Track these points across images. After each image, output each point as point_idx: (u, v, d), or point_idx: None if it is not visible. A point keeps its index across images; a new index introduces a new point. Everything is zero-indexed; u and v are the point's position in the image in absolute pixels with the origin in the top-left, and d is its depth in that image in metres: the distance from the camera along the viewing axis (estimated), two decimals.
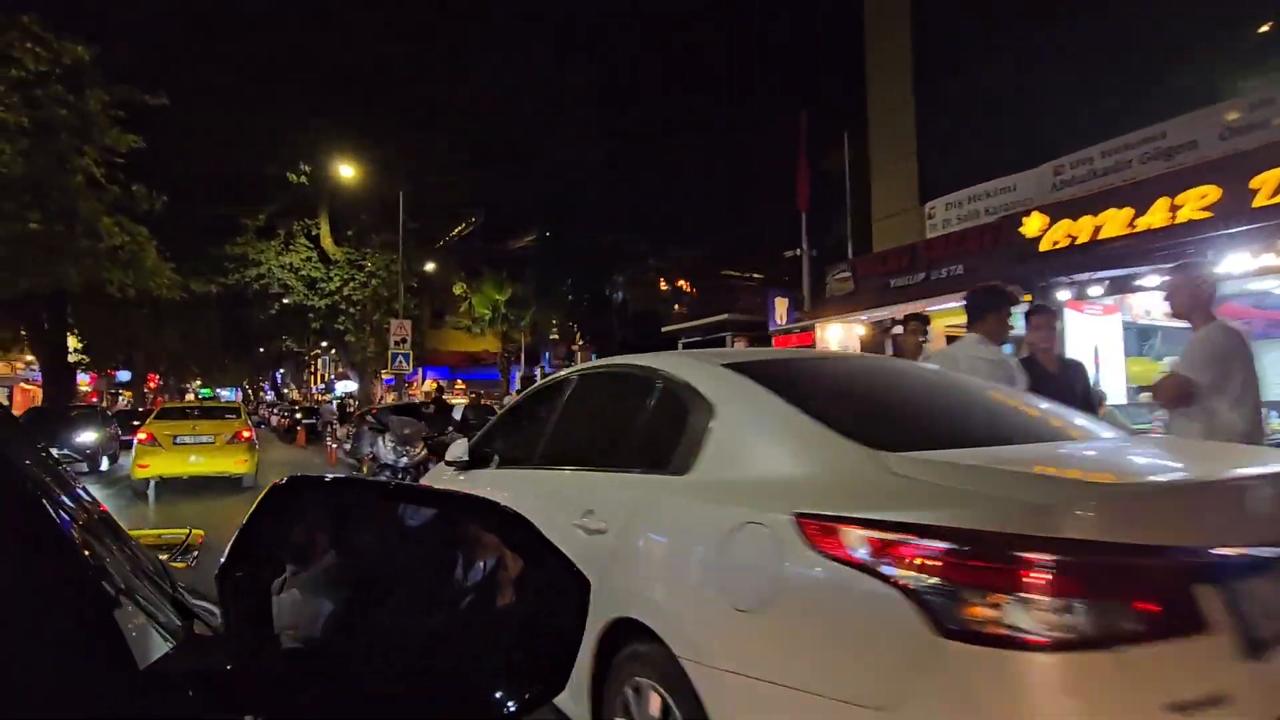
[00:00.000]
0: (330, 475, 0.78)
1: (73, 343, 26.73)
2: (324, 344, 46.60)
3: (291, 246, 20.55)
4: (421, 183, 19.44)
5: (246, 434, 10.53)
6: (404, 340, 18.68)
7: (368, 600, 0.68)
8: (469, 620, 0.69)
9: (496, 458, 3.55)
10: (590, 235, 21.59)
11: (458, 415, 7.66)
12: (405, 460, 6.64)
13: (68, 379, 26.32)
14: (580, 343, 18.55)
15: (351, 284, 20.56)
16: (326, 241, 21.24)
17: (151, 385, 54.58)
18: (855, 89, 13.55)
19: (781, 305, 11.60)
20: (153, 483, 10.01)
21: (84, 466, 11.47)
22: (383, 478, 6.57)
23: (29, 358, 25.97)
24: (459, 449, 3.55)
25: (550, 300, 22.03)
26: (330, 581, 0.68)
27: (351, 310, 20.96)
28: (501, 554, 0.70)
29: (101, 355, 26.76)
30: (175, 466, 9.76)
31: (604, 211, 22.73)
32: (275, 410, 43.77)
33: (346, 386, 25.35)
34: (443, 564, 0.72)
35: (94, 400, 44.79)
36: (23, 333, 24.58)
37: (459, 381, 27.42)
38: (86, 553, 0.61)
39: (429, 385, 27.20)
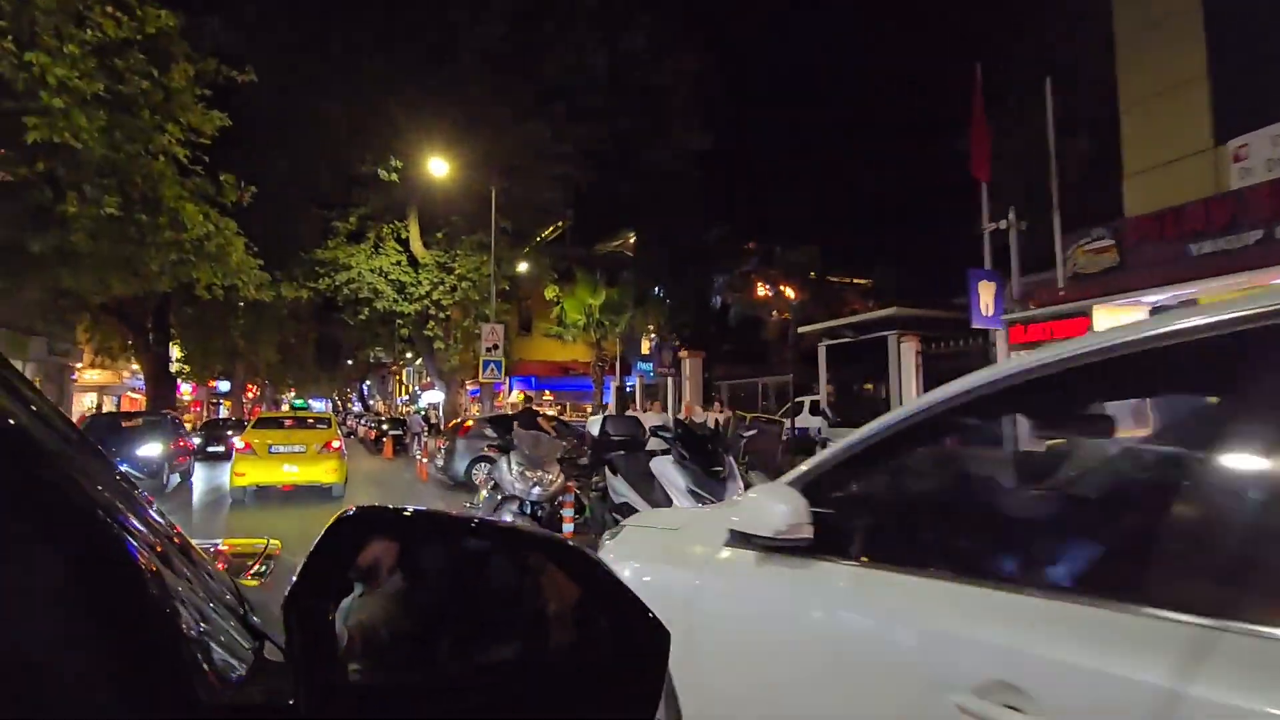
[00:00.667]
0: (395, 506, 0.76)
1: (175, 352, 27.15)
2: (408, 355, 46.96)
3: (381, 250, 19.65)
4: (515, 179, 18.04)
5: (336, 444, 10.71)
6: (495, 347, 17.25)
7: (434, 635, 0.69)
8: (537, 661, 0.68)
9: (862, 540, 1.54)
10: (692, 234, 19.66)
11: (595, 430, 5.72)
12: (538, 490, 4.77)
13: (169, 388, 26.66)
14: (685, 351, 16.57)
15: (440, 288, 19.40)
16: (416, 245, 20.25)
17: (249, 395, 56.84)
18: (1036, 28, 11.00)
19: (987, 291, 9.03)
20: (248, 491, 10.36)
21: (145, 484, 10.32)
22: (506, 516, 4.77)
23: (134, 366, 26.55)
24: (778, 508, 1.55)
25: (648, 305, 20.14)
26: (396, 614, 0.68)
27: (441, 315, 19.80)
28: (574, 595, 0.71)
29: (201, 366, 26.98)
30: (270, 475, 10.06)
31: (707, 208, 20.75)
32: (362, 421, 44.21)
33: (432, 397, 24.24)
34: (510, 602, 0.72)
35: (196, 410, 46.82)
36: (129, 342, 25.04)
37: (546, 392, 25.99)
38: (154, 580, 0.58)
39: (516, 396, 25.89)
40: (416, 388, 47.25)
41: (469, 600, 0.72)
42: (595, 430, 6.19)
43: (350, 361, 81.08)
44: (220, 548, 1.57)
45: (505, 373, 24.60)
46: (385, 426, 27.06)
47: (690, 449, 4.48)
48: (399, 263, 19.77)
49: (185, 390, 36.31)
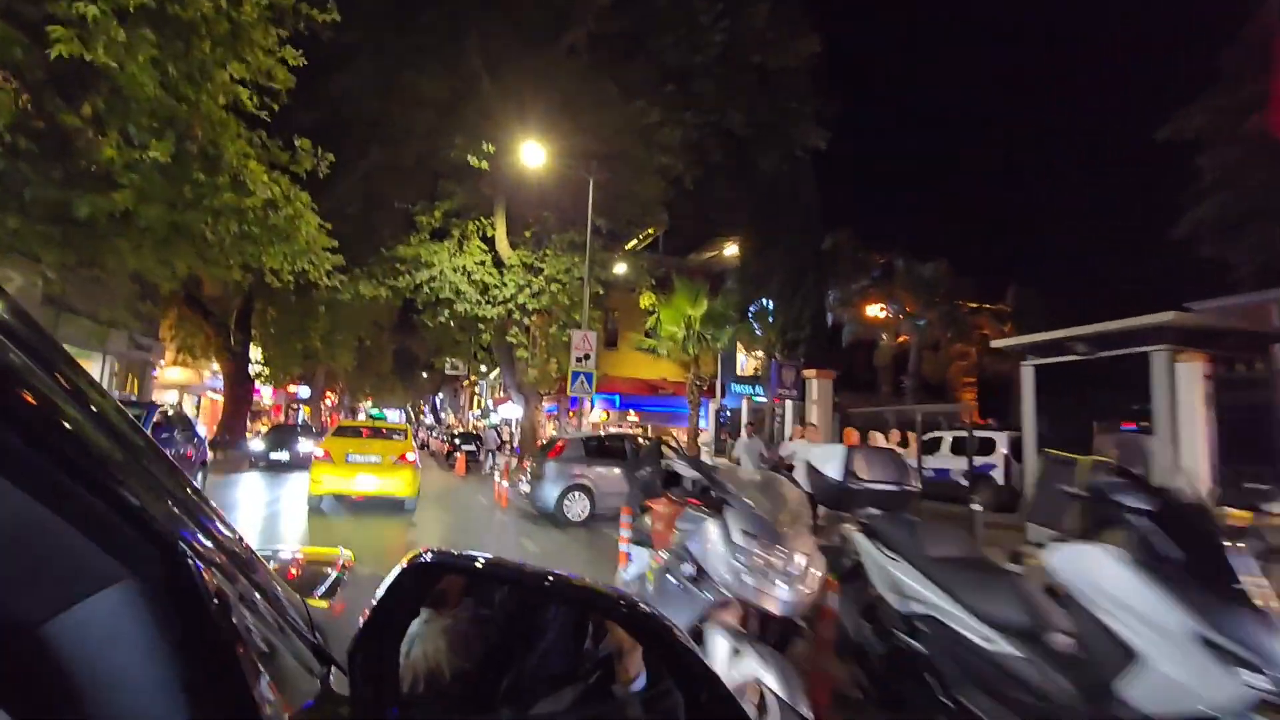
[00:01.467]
0: (464, 554, 0.80)
1: (256, 354, 26.56)
2: (483, 368, 45.98)
3: (465, 249, 18.01)
4: (616, 169, 15.99)
5: (411, 456, 10.44)
6: (586, 357, 15.09)
7: (493, 682, 0.73)
8: (597, 711, 0.72)
9: None
10: (810, 242, 17.05)
11: (833, 472, 3.34)
12: (787, 593, 2.36)
13: (247, 390, 26.00)
14: (814, 371, 13.88)
15: (525, 290, 17.51)
16: (502, 243, 18.52)
17: (327, 401, 57.57)
18: None
19: None
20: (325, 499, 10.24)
21: None
22: (719, 637, 2.35)
23: (215, 366, 26.15)
24: None
25: (757, 318, 17.57)
26: (459, 657, 0.72)
27: (525, 321, 17.90)
28: (642, 661, 0.75)
29: (280, 369, 26.25)
30: (345, 486, 9.97)
31: (824, 214, 18.09)
32: (434, 434, 43.45)
33: (509, 411, 22.34)
34: (574, 658, 0.77)
35: (277, 413, 47.36)
36: (211, 340, 24.55)
37: (631, 412, 23.72)
38: (219, 604, 0.59)
39: (599, 414, 23.69)
40: (489, 401, 46.16)
41: (531, 651, 0.77)
42: (826, 468, 3.57)
43: (425, 374, 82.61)
44: (296, 556, 1.64)
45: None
46: (458, 441, 25.46)
47: (1180, 535, 1.94)
48: (483, 262, 18.05)
49: (265, 393, 36.27)
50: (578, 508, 10.20)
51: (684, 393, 23.48)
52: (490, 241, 18.66)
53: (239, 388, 25.12)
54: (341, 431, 11.69)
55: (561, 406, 26.79)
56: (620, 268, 18.22)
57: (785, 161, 18.97)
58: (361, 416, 63.32)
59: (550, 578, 0.80)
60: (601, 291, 17.31)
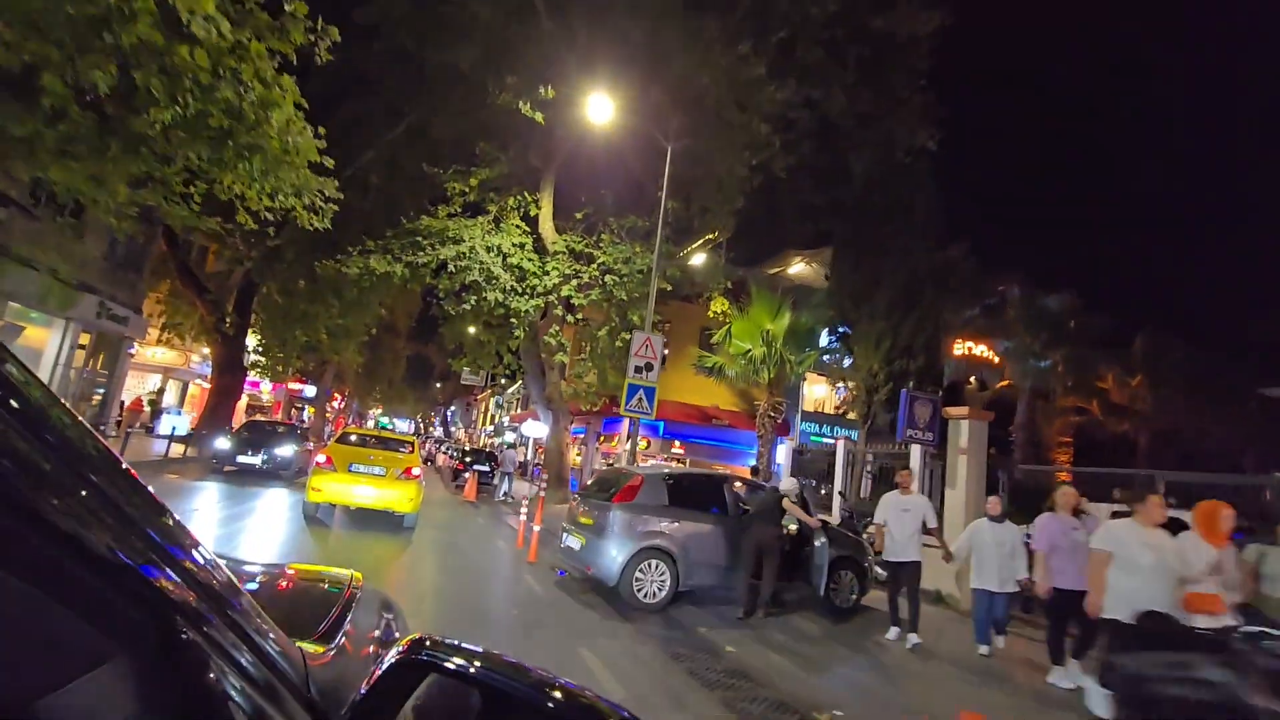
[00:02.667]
0: (466, 647, 0.77)
1: (252, 341, 23.46)
2: (502, 380, 42.67)
3: (502, 228, 14.80)
4: (697, 138, 12.77)
5: (416, 471, 9.92)
6: (649, 367, 11.69)
7: None
8: None
9: None
10: (923, 256, 13.66)
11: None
12: None
13: (237, 380, 22.81)
14: (967, 411, 10.42)
15: (572, 282, 14.19)
16: (546, 225, 15.32)
17: (334, 403, 54.57)
18: None
19: None
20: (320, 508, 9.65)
21: None
22: None
23: (205, 350, 23.10)
24: None
25: (855, 340, 14.08)
26: None
27: (570, 318, 14.55)
28: None
29: (278, 360, 22.99)
30: (344, 496, 9.41)
31: (935, 224, 14.69)
32: (442, 448, 40.07)
33: (532, 429, 18.84)
34: None
35: (277, 411, 44.30)
36: (202, 320, 21.52)
37: (676, 443, 20.15)
38: (214, 674, 0.56)
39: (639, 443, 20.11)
40: (505, 418, 42.77)
41: None
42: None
43: (439, 384, 79.77)
44: (300, 574, 1.63)
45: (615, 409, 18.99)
46: (469, 460, 21.98)
47: None
48: (522, 245, 14.81)
49: (264, 389, 33.22)
50: (654, 584, 6.65)
51: (742, 424, 19.93)
52: (533, 222, 15.44)
53: (227, 376, 21.92)
54: (346, 439, 11.08)
55: (591, 429, 23.27)
56: (699, 258, 14.85)
57: (882, 163, 15.67)
58: (370, 424, 60.48)
59: (556, 689, 0.76)
60: (670, 288, 13.93)
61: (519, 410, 38.31)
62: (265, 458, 14.63)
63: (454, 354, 18.06)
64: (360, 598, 1.39)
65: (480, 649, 0.82)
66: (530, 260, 14.80)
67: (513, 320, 14.69)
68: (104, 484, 0.54)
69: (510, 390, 37.92)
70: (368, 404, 62.50)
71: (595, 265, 14.09)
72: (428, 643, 0.75)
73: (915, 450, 10.64)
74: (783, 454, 20.04)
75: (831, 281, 15.36)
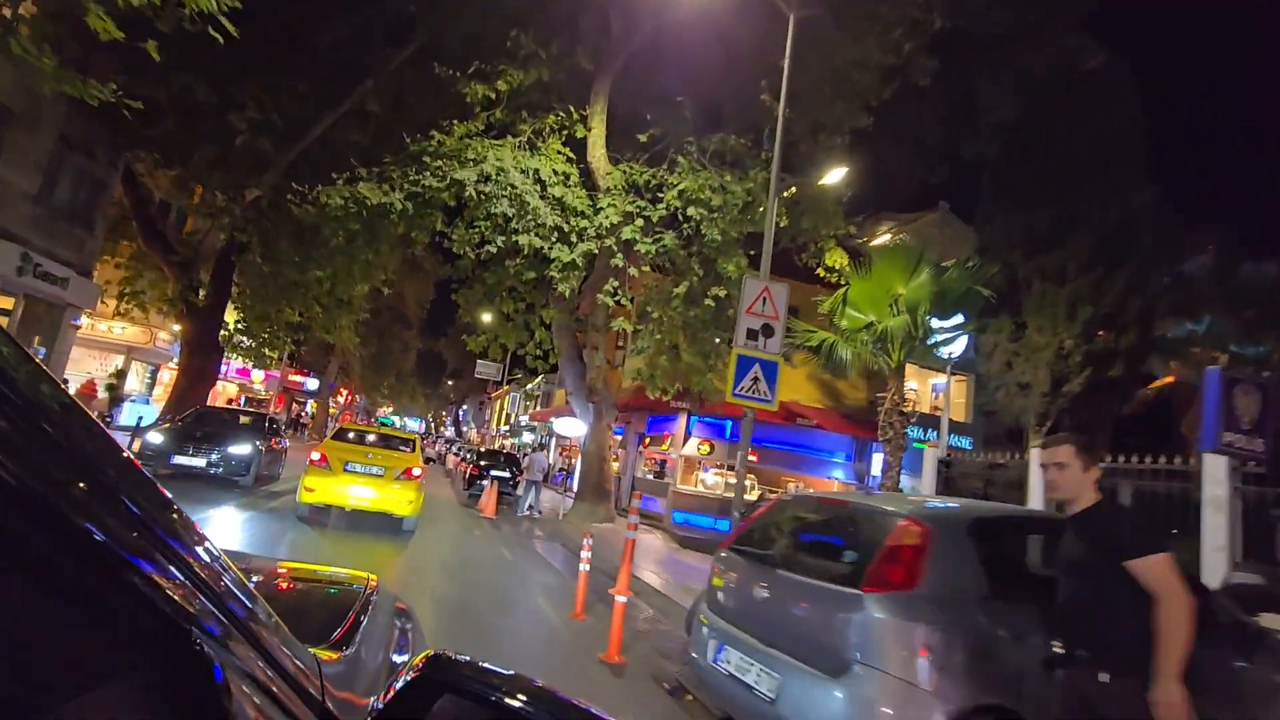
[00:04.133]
0: (483, 665, 0.75)
1: (231, 318, 19.70)
2: (537, 358, 38.56)
3: (539, 150, 10.87)
4: (820, 29, 8.82)
5: (417, 472, 9.30)
6: (768, 331, 7.74)
7: None
8: None
9: None
10: (1119, 205, 9.62)
11: None
12: None
13: (211, 363, 18.96)
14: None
15: (636, 223, 10.22)
16: (597, 151, 11.45)
17: (340, 398, 51.03)
18: None
19: None
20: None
21: None
22: None
23: (176, 327, 19.40)
24: None
25: (1028, 304, 9.95)
26: None
27: (635, 270, 10.57)
28: None
29: (261, 341, 19.17)
30: (339, 497, 8.90)
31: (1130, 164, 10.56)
32: (453, 449, 36.21)
33: (568, 428, 14.84)
34: None
35: (280, 406, 40.69)
36: (173, 287, 17.83)
37: (714, 445, 15.98)
38: (230, 694, 0.52)
39: (696, 447, 16.07)
40: (523, 416, 38.85)
41: None
42: None
43: (451, 382, 76.23)
44: (314, 574, 1.64)
45: (664, 398, 14.99)
46: (484, 463, 18.03)
47: None
48: (565, 177, 10.85)
49: (256, 377, 29.54)
50: None
51: (832, 425, 15.84)
52: (578, 149, 11.49)
53: (199, 358, 18.11)
54: (342, 435, 10.66)
55: (631, 429, 19.22)
56: (834, 174, 10.75)
57: (1054, 76, 11.57)
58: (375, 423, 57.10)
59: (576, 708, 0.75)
60: (783, 222, 9.91)
61: (538, 408, 34.37)
62: (214, 458, 10.76)
63: (468, 330, 14.04)
64: (376, 602, 1.39)
65: (498, 668, 0.80)
66: (578, 195, 10.82)
67: (552, 276, 10.68)
68: (106, 476, 0.50)
69: (530, 385, 34.06)
70: (376, 400, 59.00)
71: (671, 195, 10.06)
72: (444, 660, 0.75)
73: (1217, 465, 6.52)
74: (879, 464, 15.95)
75: (987, 228, 11.26)
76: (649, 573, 9.65)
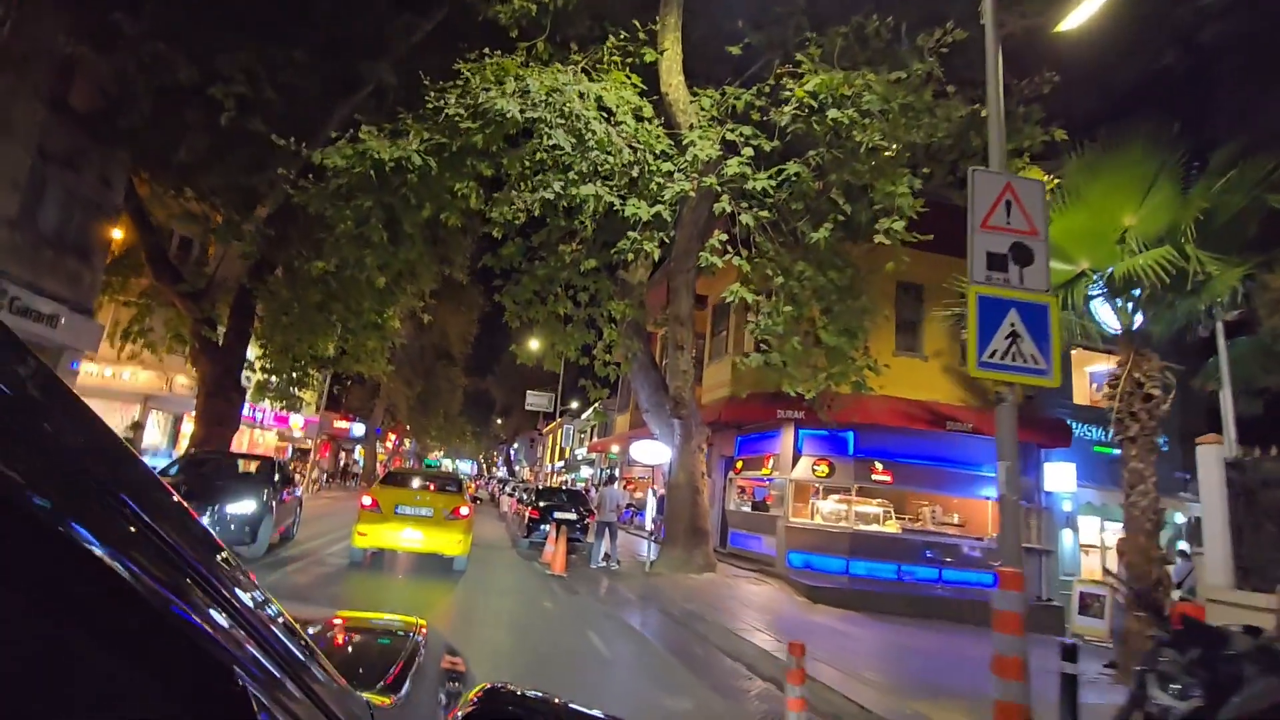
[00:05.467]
0: (531, 698, 0.76)
1: (253, 352, 17.45)
2: (575, 403, 35.51)
3: (601, 77, 8.06)
4: None
5: (465, 511, 9.63)
6: (1023, 255, 4.53)
7: None
8: None
9: None
10: None
11: None
12: None
13: (232, 406, 16.63)
14: None
15: (743, 155, 7.20)
16: (674, 79, 8.58)
17: (389, 443, 49.23)
18: None
19: None
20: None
21: None
22: None
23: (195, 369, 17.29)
24: None
25: None
26: None
27: (748, 218, 7.52)
28: None
29: (291, 380, 16.82)
30: (392, 540, 9.24)
31: None
32: (506, 489, 33.42)
33: (649, 453, 11.68)
34: None
35: (325, 454, 38.90)
36: (185, 323, 15.76)
37: (876, 464, 12.49)
38: (269, 717, 0.50)
39: (804, 468, 12.72)
40: (578, 450, 35.97)
41: None
42: None
43: (500, 420, 74.24)
44: (361, 622, 1.61)
45: (771, 410, 11.78)
46: (543, 504, 15.09)
47: None
48: (638, 111, 7.96)
49: (295, 424, 27.47)
50: None
51: (988, 429, 12.30)
52: (648, 74, 8.65)
53: (218, 400, 15.78)
54: (390, 479, 11.02)
55: (715, 452, 15.94)
56: (1083, 11, 7.55)
57: None
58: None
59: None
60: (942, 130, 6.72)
61: (595, 439, 31.38)
62: (208, 521, 8.07)
63: (520, 332, 11.22)
64: (426, 646, 1.39)
65: (553, 697, 0.80)
66: (657, 136, 7.90)
67: (621, 251, 7.73)
68: (148, 511, 0.48)
69: (585, 414, 31.18)
70: (425, 443, 57.16)
71: (803, 89, 7.03)
72: (502, 692, 0.75)
73: None
74: (1060, 478, 12.28)
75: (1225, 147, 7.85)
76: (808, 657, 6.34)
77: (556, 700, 0.79)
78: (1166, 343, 8.29)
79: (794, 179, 7.36)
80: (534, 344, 14.17)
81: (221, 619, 0.51)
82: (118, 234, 16.02)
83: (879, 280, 9.80)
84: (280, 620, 0.64)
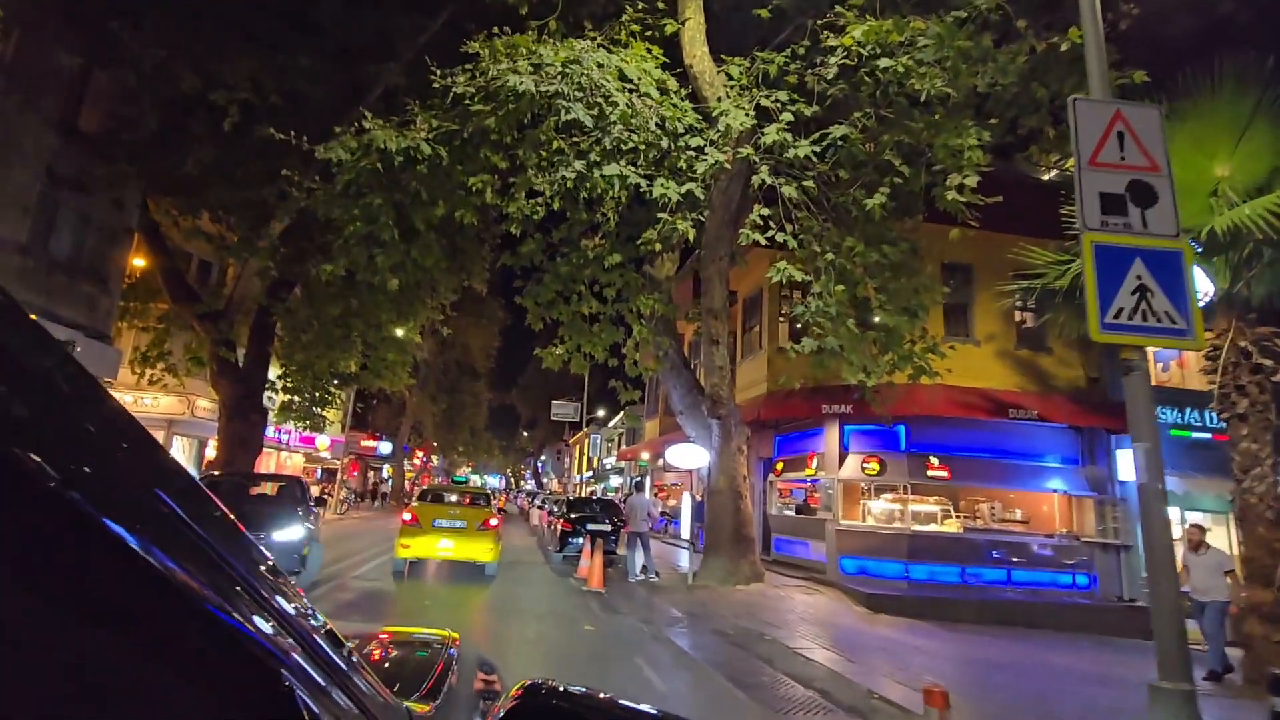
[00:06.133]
0: (574, 694, 0.75)
1: (274, 371, 17.12)
2: (602, 411, 34.92)
3: (619, 51, 7.44)
4: None
5: (494, 522, 10.48)
6: (1145, 193, 3.73)
7: None
8: None
9: None
10: None
11: None
12: None
13: (254, 428, 16.29)
14: None
15: (779, 124, 6.49)
16: (697, 50, 7.97)
17: (416, 461, 49.04)
18: None
19: None
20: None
21: None
22: None
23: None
24: None
25: None
26: None
27: (790, 188, 6.82)
28: None
29: (313, 400, 16.51)
30: (429, 550, 10.05)
31: None
32: (535, 501, 32.84)
33: (686, 457, 10.96)
34: None
35: (354, 473, 38.79)
36: (204, 345, 15.50)
37: (931, 459, 11.52)
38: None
39: (851, 466, 11.90)
40: (606, 459, 35.28)
41: None
42: None
43: (526, 433, 73.99)
44: (396, 636, 1.68)
45: (821, 406, 11.03)
46: (575, 515, 14.46)
47: None
48: (661, 84, 7.31)
49: (321, 444, 27.23)
50: None
51: (1063, 416, 11.33)
52: (669, 48, 8.00)
53: (239, 422, 15.42)
54: (425, 496, 12.06)
55: (751, 452, 15.15)
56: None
57: None
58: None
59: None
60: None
61: (624, 446, 30.69)
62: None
63: (546, 334, 10.61)
64: (460, 657, 1.41)
65: (593, 691, 0.80)
66: (680, 109, 7.24)
67: (647, 242, 7.07)
68: (192, 516, 0.48)
69: (614, 421, 30.56)
70: (453, 459, 56.94)
71: (850, 37, 6.31)
72: (543, 689, 0.75)
73: None
74: (1129, 466, 11.25)
75: None
76: (881, 676, 5.53)
77: (601, 695, 0.78)
78: (1267, 307, 7.37)
79: (840, 143, 6.65)
80: (557, 351, 13.59)
81: (267, 625, 0.50)
82: (138, 261, 15.87)
83: (926, 262, 9.01)
84: (325, 630, 0.64)
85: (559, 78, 6.49)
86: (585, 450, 46.23)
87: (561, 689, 0.76)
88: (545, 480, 69.20)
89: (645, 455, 22.00)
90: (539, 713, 0.71)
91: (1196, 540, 7.14)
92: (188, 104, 10.77)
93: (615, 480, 32.75)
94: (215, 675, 0.44)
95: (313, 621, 0.62)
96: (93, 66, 11.52)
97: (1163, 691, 3.20)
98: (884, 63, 6.15)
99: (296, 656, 0.52)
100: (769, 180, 6.87)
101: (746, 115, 6.83)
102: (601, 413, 33.73)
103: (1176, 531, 12.60)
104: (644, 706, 0.78)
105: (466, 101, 6.86)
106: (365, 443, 37.11)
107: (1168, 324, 3.65)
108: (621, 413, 26.76)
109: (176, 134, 11.08)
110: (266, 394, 16.38)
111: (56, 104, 12.37)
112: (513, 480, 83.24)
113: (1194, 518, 11.60)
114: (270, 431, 19.93)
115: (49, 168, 12.13)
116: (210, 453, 20.02)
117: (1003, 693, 5.72)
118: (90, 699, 0.38)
